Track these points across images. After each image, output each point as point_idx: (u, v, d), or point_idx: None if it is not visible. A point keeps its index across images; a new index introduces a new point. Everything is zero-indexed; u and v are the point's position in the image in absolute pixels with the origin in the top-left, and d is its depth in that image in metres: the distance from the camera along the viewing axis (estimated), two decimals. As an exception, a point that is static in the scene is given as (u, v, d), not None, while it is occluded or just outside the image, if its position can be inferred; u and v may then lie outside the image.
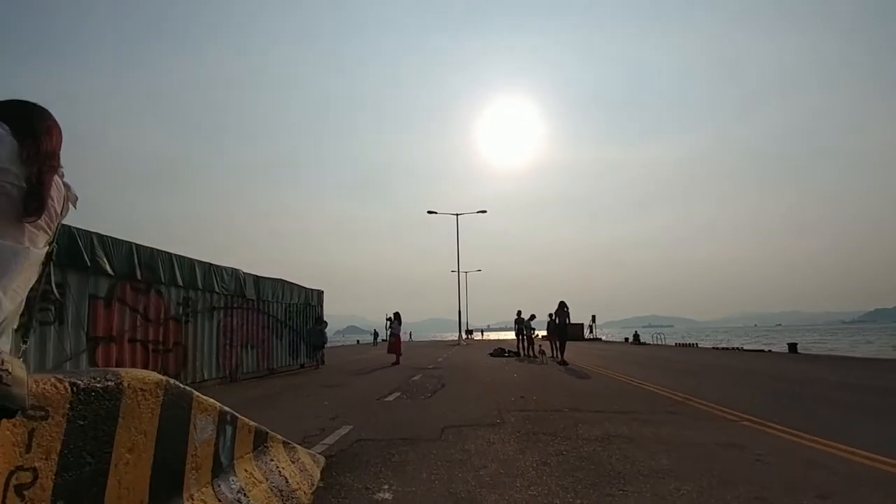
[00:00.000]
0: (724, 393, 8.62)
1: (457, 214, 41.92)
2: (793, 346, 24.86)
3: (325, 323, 17.55)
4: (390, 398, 8.15)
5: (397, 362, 16.77)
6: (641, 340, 40.10)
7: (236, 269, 13.01)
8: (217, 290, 12.05)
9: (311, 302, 17.92)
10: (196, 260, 11.40)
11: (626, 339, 47.40)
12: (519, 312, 20.63)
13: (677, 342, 38.67)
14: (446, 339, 59.39)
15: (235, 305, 12.89)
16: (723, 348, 29.17)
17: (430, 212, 41.70)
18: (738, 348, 28.65)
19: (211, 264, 11.94)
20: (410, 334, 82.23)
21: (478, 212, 42.31)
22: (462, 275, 63.57)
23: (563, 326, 18.19)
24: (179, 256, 10.85)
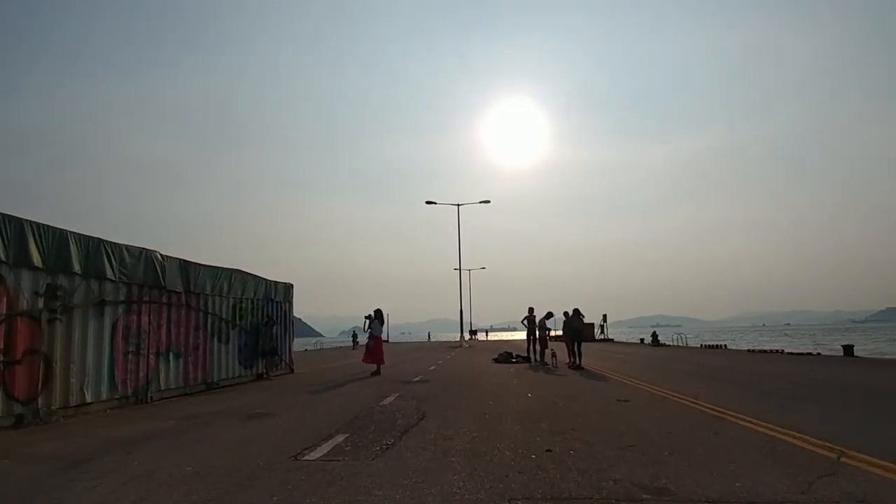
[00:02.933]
0: (879, 436, 5.13)
1: (457, 205, 38.49)
2: (848, 349, 21.30)
3: (274, 322, 14.06)
4: (318, 452, 4.69)
5: (377, 372, 13.32)
6: (660, 341, 36.45)
7: (148, 251, 9.59)
8: (112, 276, 8.63)
9: (273, 297, 14.51)
10: (72, 232, 7.98)
11: (642, 340, 43.80)
12: (531, 310, 17.12)
13: (702, 343, 34.99)
14: (448, 341, 55.89)
15: (147, 299, 9.47)
16: (760, 351, 25.53)
17: (428, 202, 38.30)
18: (779, 351, 25.00)
19: (101, 240, 8.52)
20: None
21: (481, 202, 38.86)
22: (465, 273, 60.22)
23: (577, 329, 15.16)
24: (40, 225, 7.43)
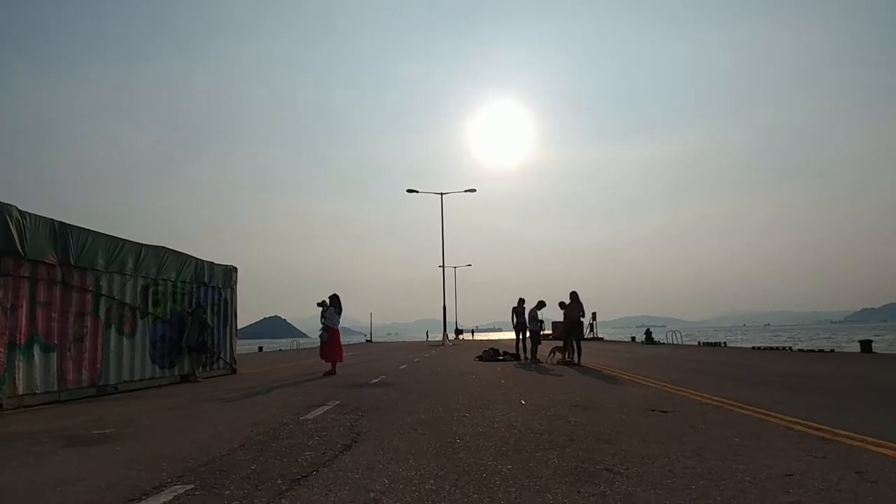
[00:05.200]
0: None
1: (440, 193, 35.99)
2: (866, 345, 19.29)
3: (205, 311, 11.36)
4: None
5: (332, 371, 10.76)
6: (655, 339, 34.35)
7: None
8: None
9: (207, 281, 11.84)
10: None
11: (633, 338, 41.79)
12: (521, 301, 14.68)
13: (700, 341, 32.88)
14: (431, 340, 53.28)
15: (-9, 270, 6.79)
16: (767, 348, 23.42)
17: (409, 190, 35.73)
18: (788, 348, 22.93)
19: None
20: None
21: (466, 191, 36.38)
22: (451, 270, 57.65)
23: (576, 321, 12.96)
24: None
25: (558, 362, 13.19)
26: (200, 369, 11.33)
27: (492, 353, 15.17)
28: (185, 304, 10.94)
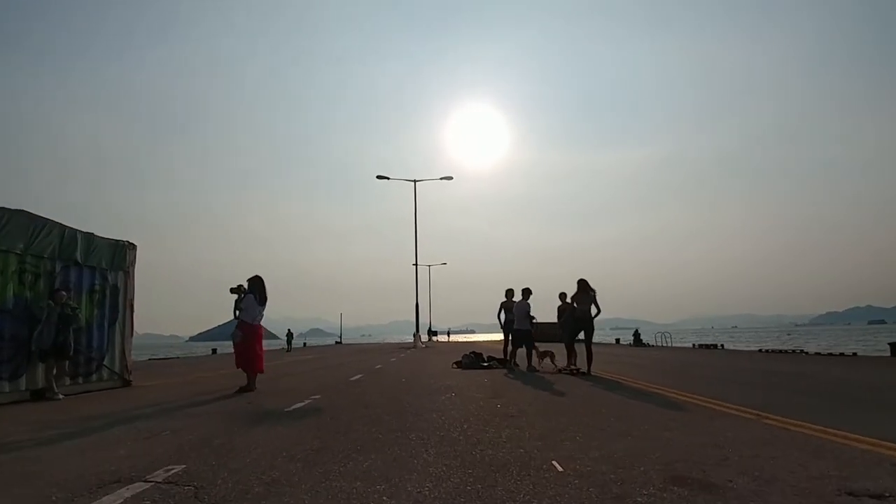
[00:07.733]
0: None
1: (414, 181, 32.86)
2: (896, 348, 17.04)
3: (70, 300, 7.95)
4: None
5: (249, 387, 7.56)
6: (644, 341, 31.96)
7: None
8: None
9: (81, 259, 8.45)
10: None
11: (617, 340, 39.47)
12: (509, 292, 11.68)
13: (694, 343, 30.52)
14: (403, 342, 50.05)
15: None
16: (777, 351, 21.04)
17: (379, 176, 32.51)
18: (802, 352, 20.57)
19: None
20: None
21: (441, 178, 33.33)
22: (425, 269, 54.56)
23: (585, 317, 9.81)
24: None
25: (558, 370, 10.34)
26: (68, 381, 8.00)
27: (473, 357, 12.11)
28: (38, 289, 7.58)
